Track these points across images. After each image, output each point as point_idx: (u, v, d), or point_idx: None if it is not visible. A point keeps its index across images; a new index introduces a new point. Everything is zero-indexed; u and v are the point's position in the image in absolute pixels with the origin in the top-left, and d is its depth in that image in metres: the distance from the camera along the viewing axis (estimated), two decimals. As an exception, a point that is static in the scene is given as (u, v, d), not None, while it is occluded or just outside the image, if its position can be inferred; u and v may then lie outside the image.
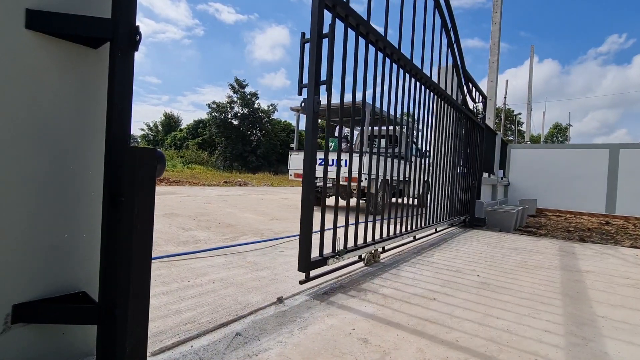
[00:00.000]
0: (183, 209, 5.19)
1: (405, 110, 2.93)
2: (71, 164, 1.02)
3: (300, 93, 1.89)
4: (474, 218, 5.20)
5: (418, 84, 3.14)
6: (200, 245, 2.94)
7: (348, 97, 2.38)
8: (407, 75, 2.92)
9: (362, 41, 2.29)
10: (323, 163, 2.04)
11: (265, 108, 32.52)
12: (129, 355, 0.88)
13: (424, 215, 3.64)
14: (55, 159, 0.98)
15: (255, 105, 31.77)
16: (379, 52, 2.50)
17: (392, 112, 2.74)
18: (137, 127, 39.19)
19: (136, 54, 0.97)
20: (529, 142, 22.38)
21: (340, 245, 2.18)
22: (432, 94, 3.49)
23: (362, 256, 2.49)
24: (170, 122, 38.27)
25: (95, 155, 1.06)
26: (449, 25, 3.93)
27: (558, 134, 48.03)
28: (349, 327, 1.49)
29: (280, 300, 1.74)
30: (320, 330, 1.45)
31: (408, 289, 2.05)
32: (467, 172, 5.06)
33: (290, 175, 6.81)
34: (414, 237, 3.45)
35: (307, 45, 1.89)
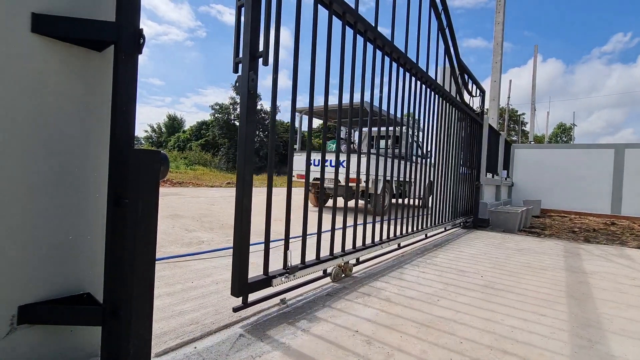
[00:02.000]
0: (186, 210, 5.21)
1: (384, 96, 2.54)
2: (76, 166, 1.02)
3: (235, 70, 1.50)
4: (477, 219, 5.17)
5: (402, 69, 2.72)
6: (204, 247, 2.95)
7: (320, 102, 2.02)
8: (388, 59, 2.50)
9: (323, 12, 1.85)
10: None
11: (268, 109, 32.62)
12: (133, 356, 0.88)
13: (412, 219, 3.22)
14: (60, 161, 0.99)
15: (258, 107, 31.85)
16: (347, 27, 2.04)
17: (375, 103, 2.45)
18: (141, 129, 39.56)
19: (139, 56, 0.98)
20: (532, 142, 22.24)
21: (292, 260, 1.76)
22: (421, 83, 3.07)
23: (329, 270, 2.10)
24: (174, 124, 38.46)
25: (99, 157, 1.07)
26: (440, 7, 3.45)
27: (562, 134, 47.69)
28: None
29: (283, 301, 1.74)
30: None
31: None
32: (470, 172, 5.04)
33: (294, 176, 6.81)
34: (399, 244, 2.96)
35: (243, 10, 1.49)
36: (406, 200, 3.32)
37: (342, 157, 5.39)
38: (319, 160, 5.80)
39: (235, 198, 1.48)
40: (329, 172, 5.19)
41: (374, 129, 5.69)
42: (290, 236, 1.77)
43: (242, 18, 1.49)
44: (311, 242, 1.99)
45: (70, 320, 0.99)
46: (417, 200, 3.37)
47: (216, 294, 1.84)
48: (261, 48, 1.49)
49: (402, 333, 1.47)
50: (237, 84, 1.48)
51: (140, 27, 0.97)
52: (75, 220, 1.03)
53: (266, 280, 1.61)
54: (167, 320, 1.49)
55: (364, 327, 1.51)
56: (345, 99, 2.08)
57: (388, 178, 4.71)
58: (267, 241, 1.62)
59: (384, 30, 2.39)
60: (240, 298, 1.53)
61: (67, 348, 1.04)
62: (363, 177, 4.16)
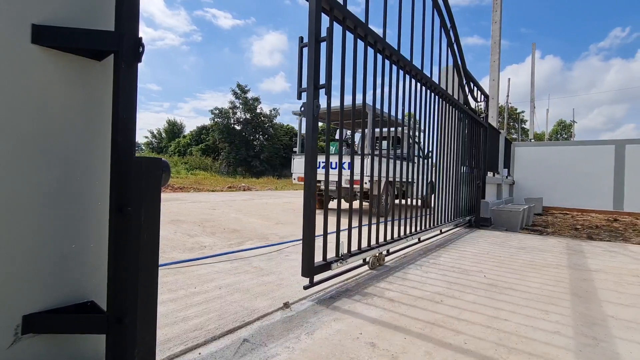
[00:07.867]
0: (188, 215, 5.22)
1: (407, 111, 2.96)
2: (78, 174, 1.03)
3: (299, 97, 1.94)
4: (479, 218, 5.16)
5: (419, 84, 3.16)
6: (206, 252, 2.95)
7: (348, 100, 2.37)
8: (408, 77, 2.94)
9: (360, 43, 2.29)
10: (324, 166, 2.07)
11: (267, 112, 32.70)
12: (138, 363, 0.88)
13: (428, 217, 3.65)
14: (62, 170, 1.00)
15: (258, 110, 31.92)
16: (378, 54, 2.51)
17: (392, 113, 2.75)
18: (141, 135, 39.54)
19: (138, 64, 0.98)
20: (532, 140, 22.23)
21: (344, 249, 2.18)
22: (433, 94, 3.51)
23: (367, 259, 2.48)
24: (174, 129, 38.54)
25: (101, 165, 1.07)
26: (449, 25, 3.95)
27: (562, 131, 47.61)
28: (355, 332, 1.48)
29: (286, 305, 1.74)
30: (327, 335, 1.44)
31: (414, 291, 2.05)
32: (471, 172, 5.03)
33: (294, 179, 6.81)
34: (419, 239, 3.43)
35: (305, 50, 1.92)
36: (408, 201, 3.38)
37: (346, 160, 5.39)
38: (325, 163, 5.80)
39: (303, 197, 1.91)
40: (334, 175, 5.22)
41: (376, 130, 5.71)
42: (328, 232, 2.03)
43: (305, 56, 1.92)
44: (345, 237, 2.24)
45: (74, 329, 0.99)
46: (418, 201, 3.45)
47: (219, 299, 1.84)
48: (322, 81, 1.91)
49: (406, 334, 1.47)
50: (302, 109, 1.93)
51: (139, 35, 0.97)
52: (78, 229, 1.04)
53: (326, 264, 2.03)
54: (171, 326, 1.49)
55: (368, 328, 1.51)
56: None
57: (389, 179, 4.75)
58: (325, 233, 2.02)
59: (392, 40, 2.71)
60: (308, 279, 1.93)
61: (72, 357, 1.04)
62: (365, 179, 4.24)
